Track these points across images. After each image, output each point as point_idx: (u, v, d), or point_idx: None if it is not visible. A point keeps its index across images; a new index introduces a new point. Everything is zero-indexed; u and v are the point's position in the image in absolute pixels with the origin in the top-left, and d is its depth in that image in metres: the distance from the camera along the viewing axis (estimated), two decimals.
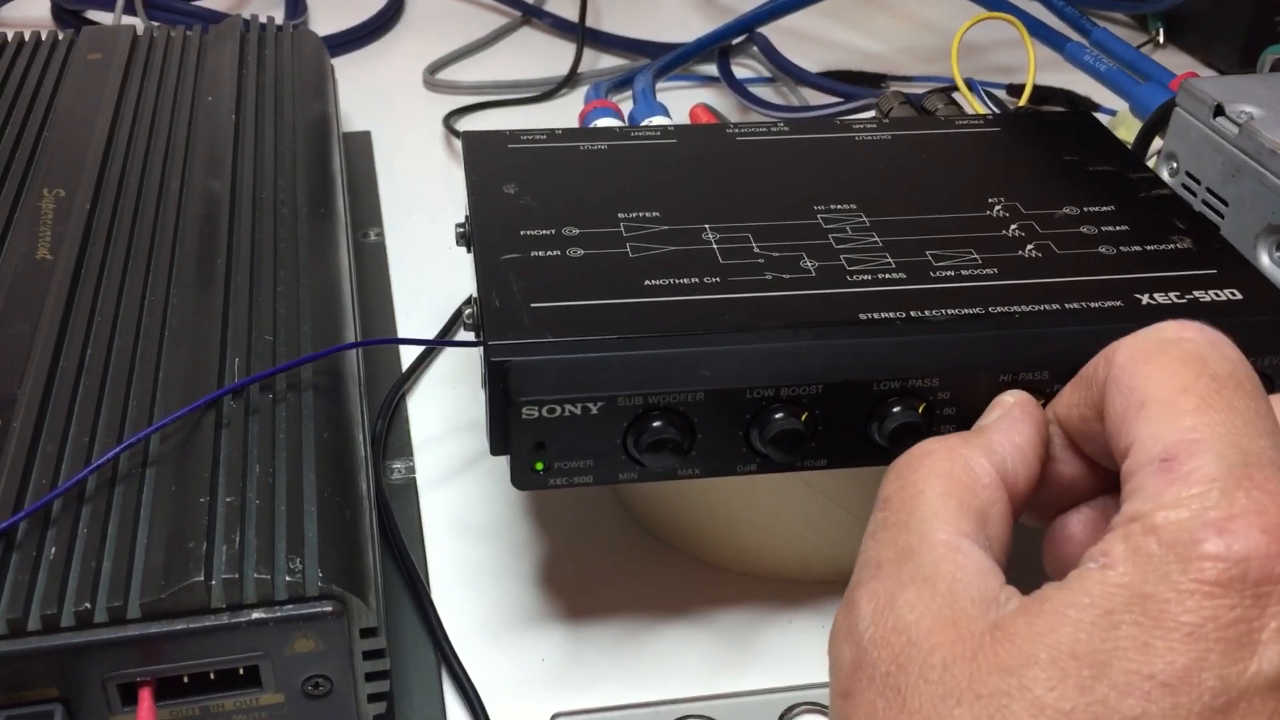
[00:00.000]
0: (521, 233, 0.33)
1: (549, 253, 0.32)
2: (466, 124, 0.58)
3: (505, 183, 0.35)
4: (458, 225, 0.36)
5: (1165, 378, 0.22)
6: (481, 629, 0.33)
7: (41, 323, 0.33)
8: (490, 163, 0.37)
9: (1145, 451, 0.21)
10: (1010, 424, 0.26)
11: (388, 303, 0.45)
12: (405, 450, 0.38)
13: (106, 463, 0.29)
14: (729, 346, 0.29)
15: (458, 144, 0.57)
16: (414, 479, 0.37)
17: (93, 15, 0.67)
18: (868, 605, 0.22)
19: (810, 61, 0.61)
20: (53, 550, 0.27)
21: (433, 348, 0.42)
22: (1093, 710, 0.19)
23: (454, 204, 0.52)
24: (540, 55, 0.67)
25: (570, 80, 0.62)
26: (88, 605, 0.25)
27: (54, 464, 0.29)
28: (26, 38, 0.51)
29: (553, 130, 0.39)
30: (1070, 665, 0.19)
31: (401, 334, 0.44)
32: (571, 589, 0.34)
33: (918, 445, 0.25)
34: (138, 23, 0.63)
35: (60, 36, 0.51)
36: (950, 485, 0.23)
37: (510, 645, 0.32)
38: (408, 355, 0.42)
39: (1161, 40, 0.67)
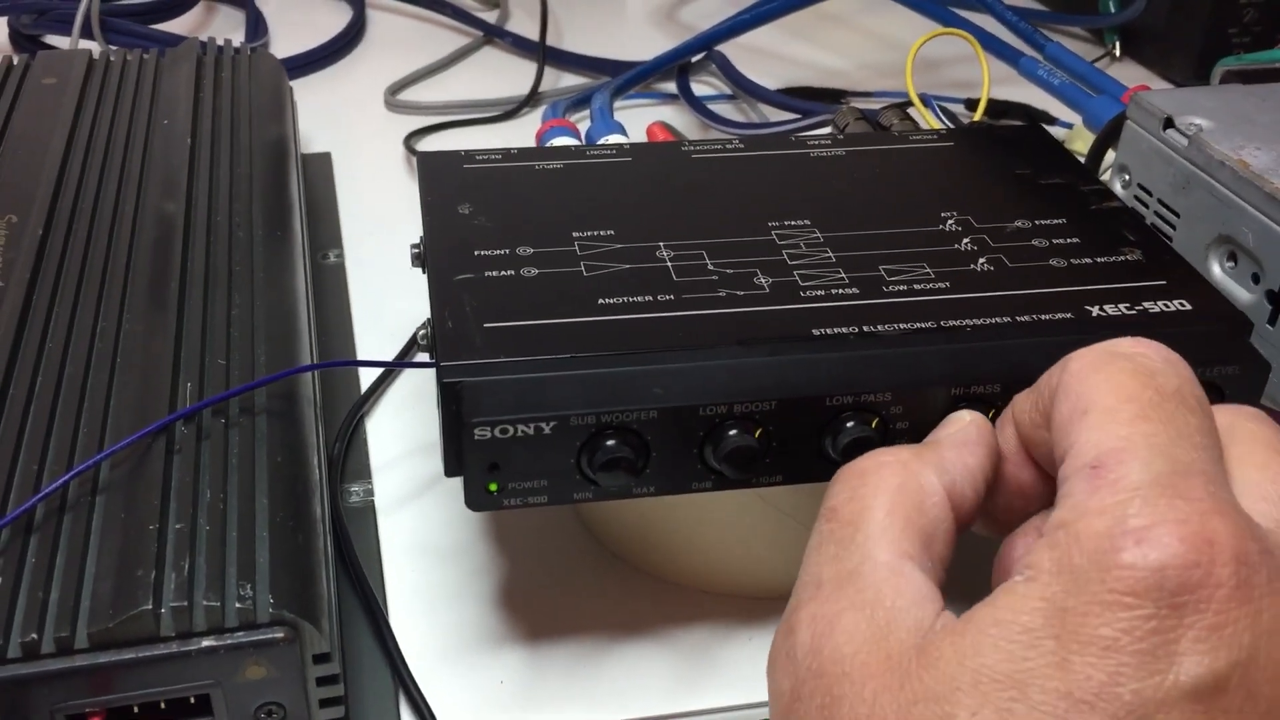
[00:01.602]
0: (476, 253, 0.33)
1: (503, 273, 0.32)
2: (427, 144, 0.58)
3: (460, 203, 0.35)
4: (413, 246, 0.36)
5: (1111, 387, 0.22)
6: (440, 652, 0.32)
7: None
8: (445, 183, 0.37)
9: (1078, 457, 0.21)
10: (963, 443, 0.25)
11: (347, 324, 0.45)
12: (364, 473, 0.38)
13: (55, 491, 0.28)
14: (682, 364, 0.29)
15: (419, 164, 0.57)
16: (372, 502, 0.37)
17: (51, 40, 0.66)
18: (806, 631, 0.22)
19: (771, 78, 0.61)
20: None
21: (391, 369, 0.42)
22: None
23: (414, 224, 0.52)
24: (502, 75, 0.67)
25: (531, 99, 0.62)
26: (34, 636, 0.25)
27: (1, 492, 0.29)
28: None
29: (508, 150, 0.39)
30: (992, 689, 0.19)
31: (361, 355, 0.44)
32: (531, 610, 0.34)
33: (867, 455, 0.25)
34: (95, 46, 0.62)
35: (15, 61, 0.51)
36: (898, 502, 0.23)
37: (469, 668, 0.32)
38: (367, 377, 0.42)
39: (1118, 54, 0.68)
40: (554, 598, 0.34)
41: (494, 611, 0.34)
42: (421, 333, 0.32)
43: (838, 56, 0.69)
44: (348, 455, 0.39)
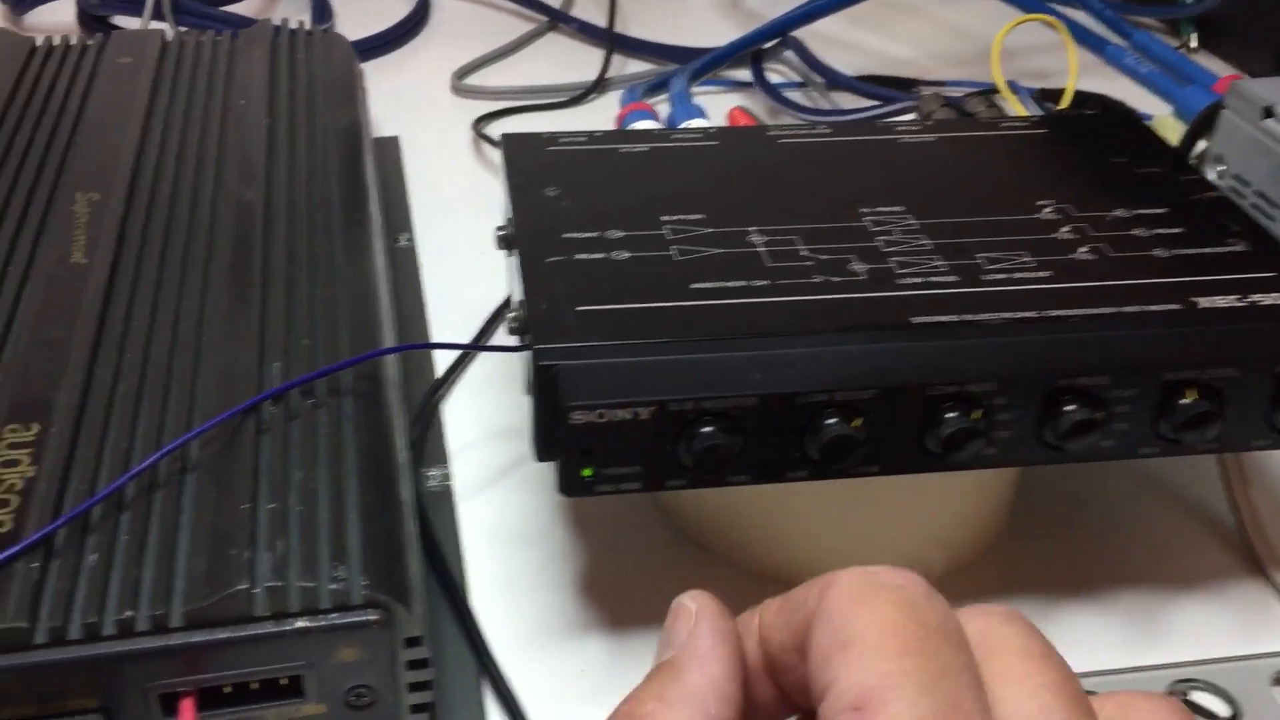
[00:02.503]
0: (564, 235, 0.33)
1: (593, 255, 0.32)
2: (495, 129, 0.58)
3: (546, 185, 0.35)
4: (498, 228, 0.35)
5: (874, 620, 0.20)
6: (520, 640, 0.32)
7: (77, 327, 0.33)
8: (530, 165, 0.36)
9: (839, 697, 0.19)
10: (701, 653, 0.23)
11: (420, 308, 0.44)
12: (440, 457, 0.38)
13: (146, 469, 0.28)
14: (780, 351, 0.29)
15: (487, 149, 0.57)
16: (450, 486, 0.37)
17: (119, 21, 0.67)
18: None
19: (840, 66, 0.60)
20: (93, 557, 0.26)
21: (466, 353, 0.42)
22: None
23: (484, 209, 0.52)
24: (566, 60, 0.66)
25: (599, 85, 0.62)
26: (130, 613, 0.25)
27: (92, 470, 0.28)
28: (56, 42, 0.50)
29: (592, 132, 0.38)
30: None
31: (435, 338, 0.43)
32: (611, 599, 0.33)
33: (620, 708, 0.22)
34: (165, 28, 0.62)
35: (89, 41, 0.51)
36: None
37: (550, 657, 0.32)
38: (441, 361, 0.42)
39: (1194, 45, 0.66)
40: (634, 587, 0.34)
41: (574, 600, 0.33)
42: (511, 315, 0.32)
43: (905, 45, 0.68)
44: (424, 439, 0.38)
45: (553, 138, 0.38)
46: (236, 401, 0.30)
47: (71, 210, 0.38)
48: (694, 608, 0.24)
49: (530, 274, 0.31)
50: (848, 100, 0.58)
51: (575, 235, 0.33)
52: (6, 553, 0.25)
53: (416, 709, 0.28)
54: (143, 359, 0.32)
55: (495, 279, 0.47)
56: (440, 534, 0.35)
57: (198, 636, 0.25)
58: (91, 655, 0.25)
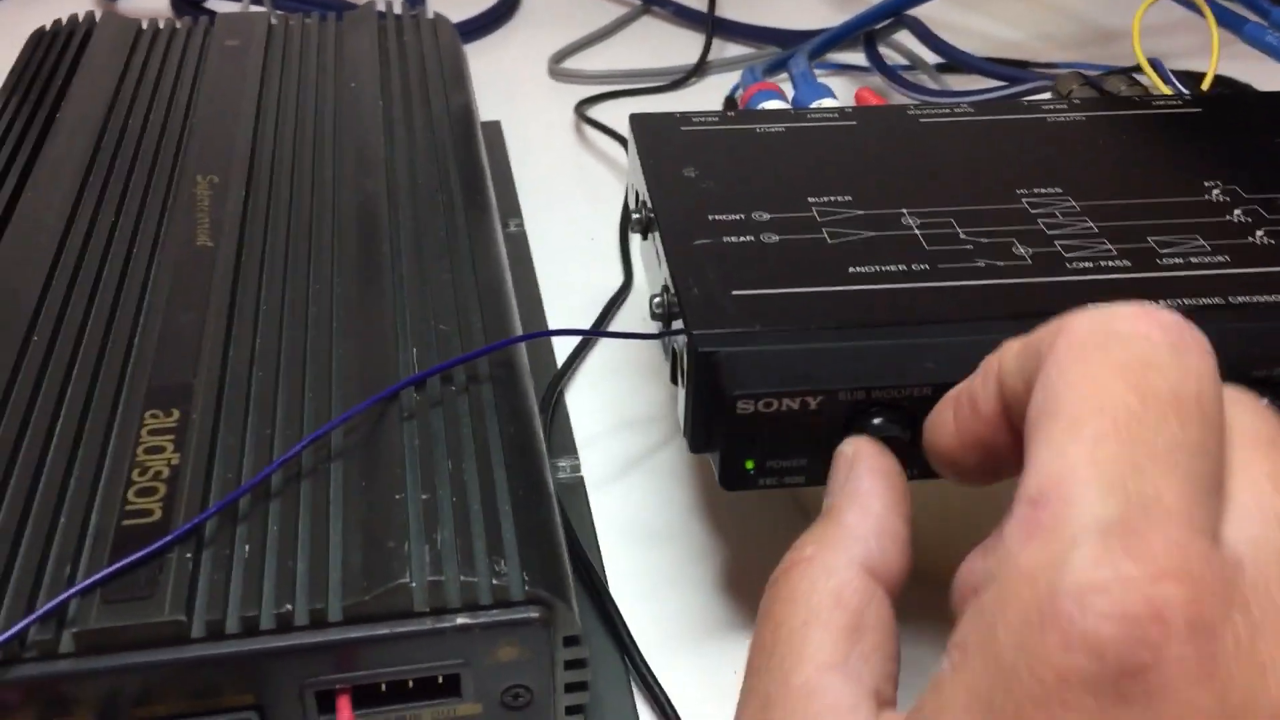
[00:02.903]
0: (709, 217, 0.31)
1: (742, 238, 0.30)
2: (597, 113, 0.57)
3: (683, 165, 0.34)
4: (631, 210, 0.34)
5: (1087, 388, 0.17)
6: (666, 640, 0.31)
7: (209, 311, 0.32)
8: (664, 146, 0.35)
9: (1025, 484, 0.17)
10: (858, 494, 0.22)
11: (535, 294, 0.43)
12: (570, 447, 0.37)
13: (293, 456, 0.27)
14: (951, 338, 0.27)
15: (589, 133, 0.56)
16: (581, 478, 0.36)
17: (211, 5, 0.66)
18: None
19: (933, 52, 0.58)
20: (245, 548, 0.25)
21: (586, 341, 0.41)
22: None
23: (589, 194, 0.51)
24: (660, 44, 0.65)
25: (700, 69, 0.60)
26: (289, 607, 0.24)
27: (236, 457, 0.28)
28: (161, 25, 0.50)
29: (724, 112, 0.37)
30: None
31: (551, 325, 0.42)
32: (757, 598, 0.32)
33: (785, 560, 0.22)
34: (262, 9, 0.62)
35: (192, 24, 0.50)
36: (812, 607, 0.20)
37: (699, 657, 0.31)
38: (560, 349, 0.41)
39: None
40: None
41: (719, 598, 0.32)
42: (656, 299, 0.30)
43: (1011, 28, 0.66)
44: (551, 429, 0.37)
45: (685, 117, 0.36)
46: (375, 388, 0.29)
47: (193, 193, 0.38)
48: (850, 451, 0.23)
49: (677, 257, 0.30)
50: (959, 84, 0.56)
51: (721, 217, 0.31)
52: (159, 543, 0.25)
53: (571, 710, 0.26)
54: (277, 344, 0.31)
55: (606, 264, 0.46)
56: (576, 528, 0.34)
57: (358, 632, 0.24)
58: (250, 651, 0.24)
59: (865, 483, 0.22)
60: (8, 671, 0.23)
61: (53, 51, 0.47)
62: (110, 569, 0.24)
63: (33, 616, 0.23)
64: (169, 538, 0.25)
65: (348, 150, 0.40)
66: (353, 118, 0.42)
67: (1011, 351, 0.20)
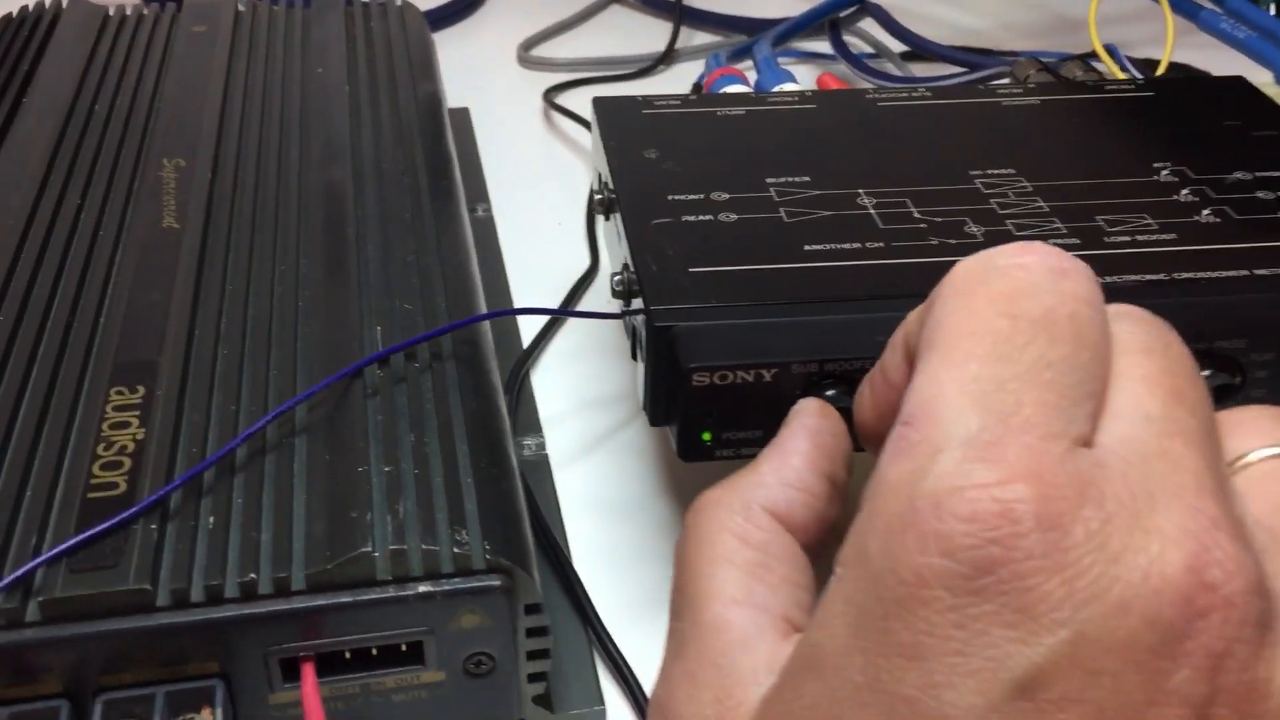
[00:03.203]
0: (669, 197, 0.32)
1: (701, 217, 0.31)
2: (564, 100, 0.57)
3: (645, 148, 0.34)
4: (594, 192, 0.35)
5: (964, 316, 0.18)
6: (627, 611, 0.31)
7: (174, 291, 0.32)
8: (626, 128, 0.35)
9: (903, 408, 0.18)
10: (780, 447, 0.23)
11: (502, 277, 0.44)
12: (534, 426, 0.37)
13: (257, 431, 0.28)
14: (901, 313, 0.28)
15: (558, 120, 0.56)
16: (546, 455, 0.36)
17: None
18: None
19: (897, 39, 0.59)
20: (210, 519, 0.26)
21: (552, 323, 0.41)
22: None
23: (557, 180, 0.51)
24: (629, 33, 0.65)
25: (667, 56, 0.61)
26: (252, 576, 0.24)
27: (201, 432, 0.28)
28: (129, 11, 0.50)
29: (686, 96, 0.37)
30: None
31: (517, 307, 0.43)
32: None
33: (696, 501, 0.23)
34: None
35: (159, 10, 0.50)
36: (716, 546, 0.21)
37: (658, 629, 0.31)
38: (527, 331, 0.41)
39: (1273, 12, 0.65)
40: None
41: None
42: (616, 277, 0.31)
43: (975, 16, 0.67)
44: (516, 408, 0.38)
45: (647, 101, 0.37)
46: (339, 365, 0.30)
47: (159, 176, 0.38)
48: (794, 409, 0.24)
49: (636, 236, 0.30)
50: (922, 71, 0.57)
51: (680, 197, 0.32)
52: (125, 514, 0.25)
53: (534, 678, 0.27)
54: (242, 323, 0.32)
55: (574, 249, 0.46)
56: (540, 503, 0.34)
57: (321, 600, 0.24)
58: (215, 619, 0.24)
59: (793, 440, 0.23)
60: None
61: (20, 36, 0.48)
62: (76, 539, 0.24)
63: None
64: (134, 509, 0.25)
65: (314, 135, 0.40)
66: (320, 103, 0.42)
67: (913, 318, 0.21)
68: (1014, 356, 0.18)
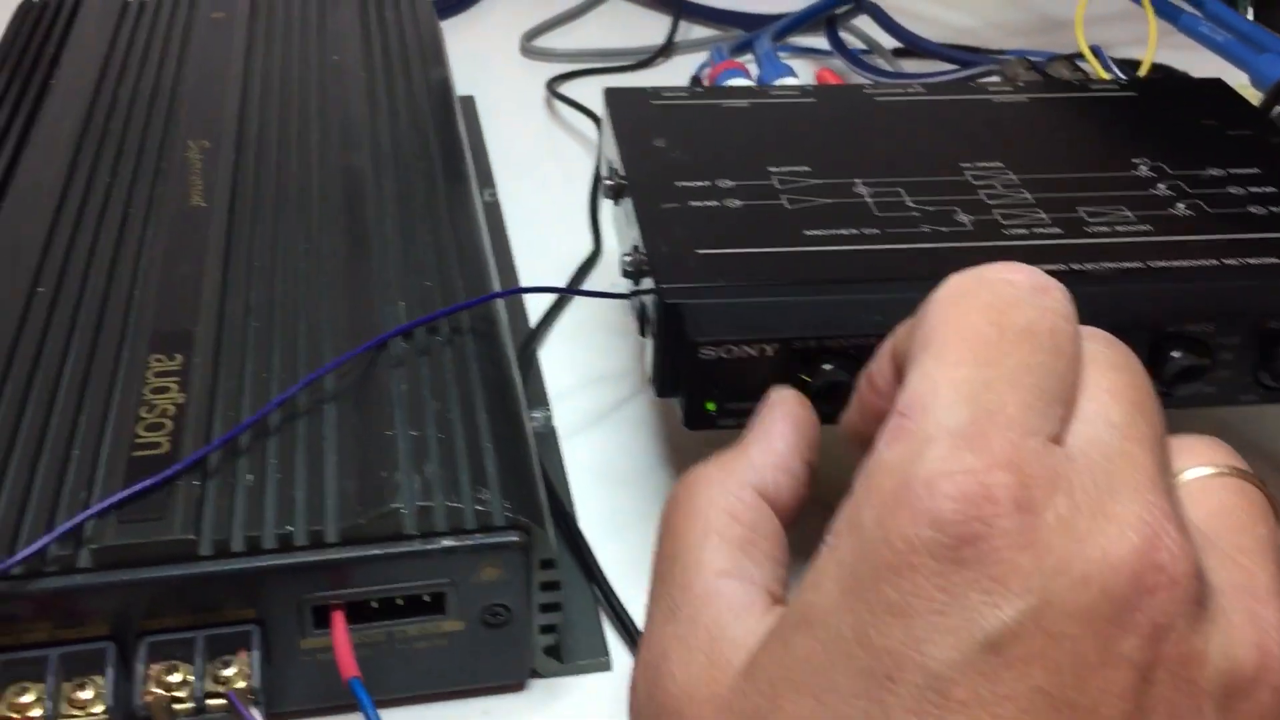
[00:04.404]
0: (677, 184, 0.34)
1: (707, 203, 0.33)
2: (566, 90, 0.59)
3: (654, 136, 0.36)
4: (605, 178, 0.37)
5: (955, 323, 0.21)
6: (630, 570, 0.33)
7: (205, 265, 0.34)
8: (636, 118, 0.37)
9: (896, 403, 0.20)
10: (767, 433, 0.25)
11: (509, 259, 0.46)
12: (542, 400, 0.39)
13: (290, 397, 0.29)
14: (897, 295, 0.29)
15: (560, 109, 0.58)
16: (554, 428, 0.38)
17: None
18: (642, 684, 0.22)
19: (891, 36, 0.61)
20: (248, 478, 0.27)
21: (559, 301, 0.43)
22: None
23: (560, 167, 0.53)
24: (629, 25, 0.67)
25: (667, 49, 0.62)
26: (289, 528, 0.26)
27: (235, 398, 0.30)
28: (146, 0, 0.52)
29: (693, 88, 0.39)
30: (808, 684, 0.19)
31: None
32: None
33: (682, 479, 0.25)
34: None
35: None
36: (709, 520, 0.23)
37: None
38: (534, 309, 0.43)
39: (1250, 17, 0.67)
40: None
41: None
42: (626, 258, 0.33)
43: (964, 14, 0.69)
44: (525, 382, 0.39)
45: (656, 92, 0.39)
46: (364, 338, 0.31)
47: (185, 156, 0.40)
48: (774, 398, 0.26)
49: (647, 219, 0.32)
50: (913, 67, 0.59)
51: (688, 184, 0.34)
52: (170, 470, 0.27)
53: (545, 629, 0.29)
54: (270, 297, 0.33)
55: (577, 233, 0.48)
56: (549, 473, 0.36)
57: (353, 551, 0.26)
58: (254, 568, 0.26)
59: (778, 425, 0.25)
60: (30, 584, 0.25)
61: (42, 22, 0.49)
62: (125, 492, 0.26)
63: (54, 533, 0.25)
64: (178, 466, 0.27)
65: (333, 119, 0.42)
66: (337, 89, 0.44)
67: (903, 330, 0.23)
68: (999, 361, 0.20)
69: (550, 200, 0.50)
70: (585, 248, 0.47)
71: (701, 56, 0.61)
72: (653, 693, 0.21)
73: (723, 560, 0.22)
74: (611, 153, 0.37)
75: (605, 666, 0.30)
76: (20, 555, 0.25)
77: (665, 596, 0.23)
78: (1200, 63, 0.52)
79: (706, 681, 0.21)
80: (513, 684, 0.29)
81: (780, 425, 0.25)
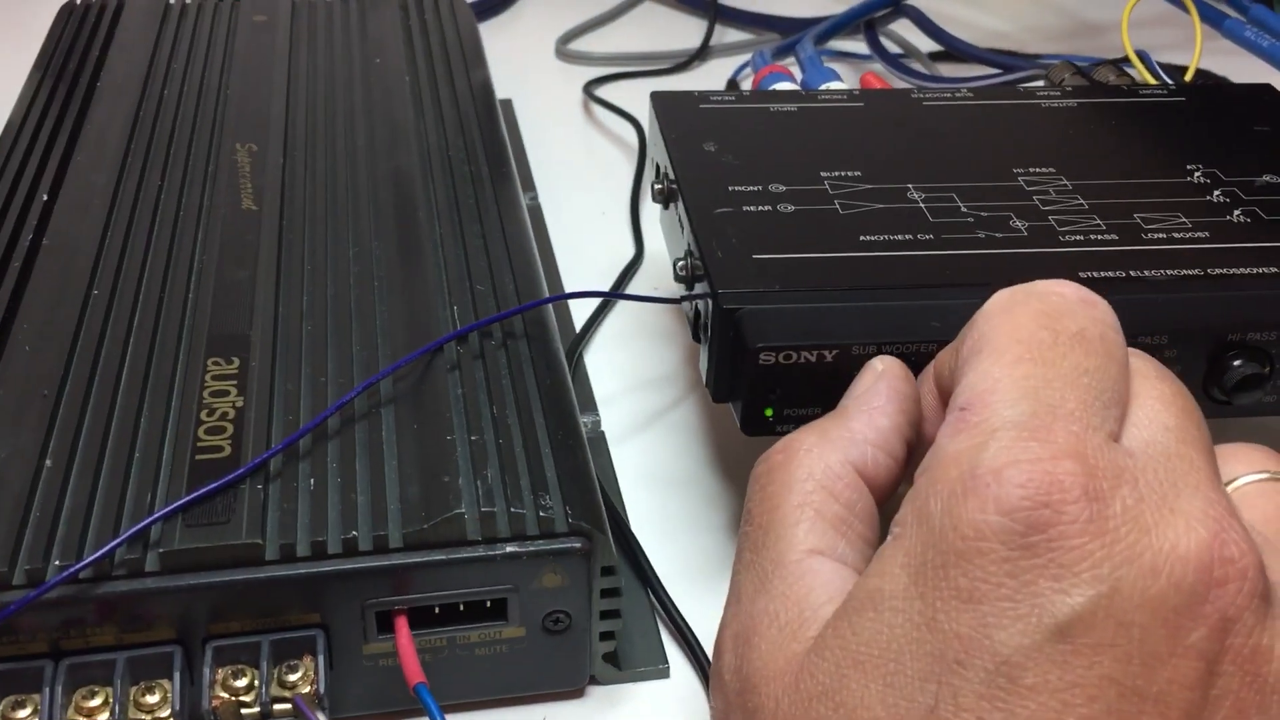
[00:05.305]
0: (729, 188, 0.34)
1: (760, 208, 0.33)
2: (604, 93, 0.59)
3: (704, 140, 0.36)
4: (653, 182, 0.36)
5: (1010, 327, 0.21)
6: (684, 576, 0.33)
7: (259, 269, 0.34)
8: (684, 121, 0.37)
9: (955, 399, 0.21)
10: (874, 405, 0.25)
11: (552, 263, 0.46)
12: (590, 405, 0.39)
13: (349, 401, 0.29)
14: (955, 300, 0.29)
15: (597, 112, 0.58)
16: (603, 433, 0.38)
17: None
18: (730, 655, 0.22)
19: (932, 39, 0.61)
20: (310, 482, 0.27)
21: (604, 306, 0.43)
22: (897, 711, 0.18)
23: (599, 170, 0.53)
24: (664, 29, 0.67)
25: (702, 53, 0.62)
26: (354, 533, 0.26)
27: (295, 401, 0.30)
28: (189, 1, 0.52)
29: (741, 92, 0.39)
30: (874, 666, 0.19)
31: (568, 291, 0.44)
32: None
33: (778, 446, 0.24)
34: None
35: (219, 0, 0.52)
36: (807, 494, 0.23)
37: (714, 594, 0.33)
38: (579, 314, 0.43)
39: None
40: None
41: (732, 539, 0.34)
42: (680, 263, 0.33)
43: (999, 19, 0.69)
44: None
45: (703, 96, 0.39)
46: (419, 342, 0.31)
47: (234, 159, 0.40)
48: (880, 368, 0.26)
49: (701, 224, 0.32)
50: (951, 72, 0.59)
51: (740, 188, 0.34)
52: (233, 474, 0.27)
53: (605, 636, 0.29)
54: (324, 301, 0.33)
55: (619, 237, 0.48)
56: (600, 477, 0.36)
57: (417, 557, 0.26)
58: (320, 572, 0.26)
59: (881, 399, 0.25)
60: (98, 588, 0.25)
61: (86, 25, 0.49)
62: (191, 496, 0.26)
63: (122, 537, 0.25)
64: (242, 470, 0.27)
65: (379, 122, 0.42)
66: (381, 92, 0.44)
67: (945, 355, 0.24)
68: (1056, 362, 0.21)
69: (591, 204, 0.50)
70: (627, 251, 0.47)
71: (737, 60, 0.61)
72: (740, 666, 0.21)
73: (816, 538, 0.22)
74: (661, 156, 0.37)
75: (664, 674, 0.30)
76: (89, 559, 0.25)
77: (756, 566, 0.23)
78: (1240, 67, 0.52)
79: (785, 657, 0.21)
80: (572, 691, 0.29)
81: (884, 399, 0.25)
